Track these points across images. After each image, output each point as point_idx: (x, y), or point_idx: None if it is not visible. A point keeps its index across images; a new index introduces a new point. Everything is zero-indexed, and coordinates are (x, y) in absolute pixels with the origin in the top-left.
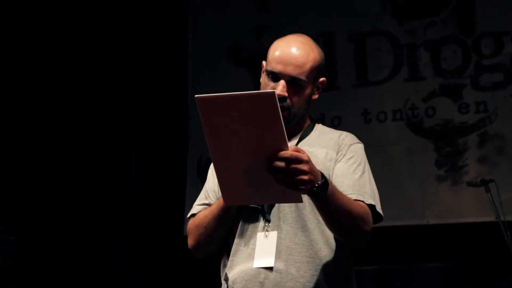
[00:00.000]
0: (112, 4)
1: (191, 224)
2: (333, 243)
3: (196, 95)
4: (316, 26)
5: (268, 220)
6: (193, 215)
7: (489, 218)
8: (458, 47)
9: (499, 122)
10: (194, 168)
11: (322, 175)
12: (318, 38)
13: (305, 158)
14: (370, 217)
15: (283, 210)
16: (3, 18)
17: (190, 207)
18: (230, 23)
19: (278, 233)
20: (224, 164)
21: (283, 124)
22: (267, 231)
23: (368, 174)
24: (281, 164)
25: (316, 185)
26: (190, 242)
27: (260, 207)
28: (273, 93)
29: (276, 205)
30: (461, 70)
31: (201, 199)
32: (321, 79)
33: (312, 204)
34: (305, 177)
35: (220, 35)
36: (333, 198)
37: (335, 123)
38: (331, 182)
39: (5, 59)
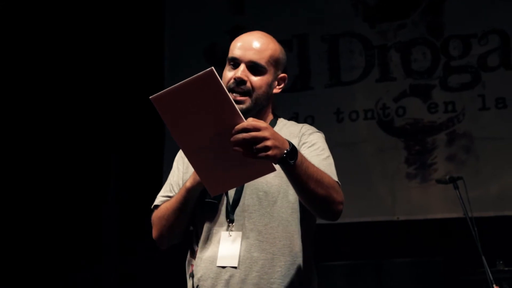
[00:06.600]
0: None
1: (154, 215)
2: (296, 239)
3: (150, 96)
4: (291, 28)
5: (232, 220)
6: (156, 206)
7: (457, 214)
8: (428, 48)
9: (467, 121)
10: (170, 166)
11: (290, 142)
12: (292, 39)
13: (262, 125)
14: (340, 190)
15: (247, 210)
16: None
17: None
18: (206, 25)
19: (243, 232)
20: (197, 156)
21: (231, 99)
22: (231, 230)
23: (332, 160)
24: (240, 136)
25: (285, 151)
26: (154, 233)
27: (216, 202)
28: (211, 69)
29: (240, 204)
30: (431, 71)
31: (165, 191)
32: (282, 74)
33: (275, 202)
34: (268, 143)
35: (196, 36)
36: (304, 166)
37: (309, 122)
38: (299, 151)
39: None
